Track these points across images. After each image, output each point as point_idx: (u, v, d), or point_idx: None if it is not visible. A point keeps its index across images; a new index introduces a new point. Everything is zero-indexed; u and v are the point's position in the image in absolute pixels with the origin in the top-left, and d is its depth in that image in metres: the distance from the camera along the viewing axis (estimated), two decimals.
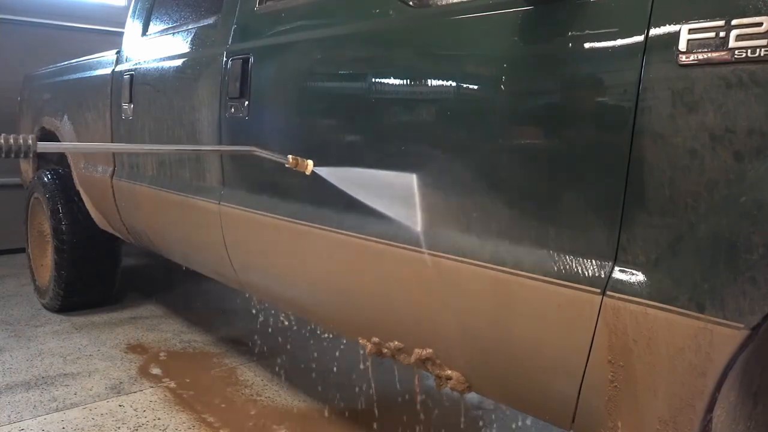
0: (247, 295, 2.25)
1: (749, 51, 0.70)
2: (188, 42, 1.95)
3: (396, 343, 1.23)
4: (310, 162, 1.20)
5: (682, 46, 0.75)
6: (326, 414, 1.97)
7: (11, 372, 2.24)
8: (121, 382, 2.16)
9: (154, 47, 2.19)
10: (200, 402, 2.03)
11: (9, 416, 1.90)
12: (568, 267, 0.88)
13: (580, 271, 0.87)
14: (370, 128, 1.24)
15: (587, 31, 0.87)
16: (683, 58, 0.75)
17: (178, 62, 1.97)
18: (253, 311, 2.87)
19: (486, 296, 1.01)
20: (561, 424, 1.00)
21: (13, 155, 0.95)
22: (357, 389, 2.16)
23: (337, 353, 2.46)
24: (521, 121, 0.96)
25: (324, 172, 1.21)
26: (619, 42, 0.82)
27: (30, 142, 0.96)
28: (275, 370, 2.31)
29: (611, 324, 0.84)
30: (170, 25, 2.16)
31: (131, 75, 2.25)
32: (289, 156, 1.20)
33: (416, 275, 1.13)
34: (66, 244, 2.75)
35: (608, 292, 0.84)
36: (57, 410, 1.95)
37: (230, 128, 1.65)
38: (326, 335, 2.59)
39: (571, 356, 0.90)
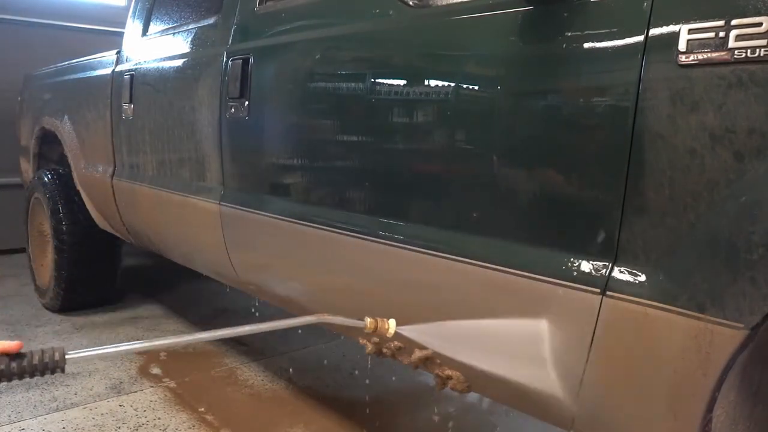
0: (246, 296, 2.25)
1: (749, 51, 0.69)
2: (188, 42, 1.95)
3: (396, 342, 1.23)
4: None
5: (682, 46, 0.75)
6: (327, 414, 1.97)
7: None
8: (121, 382, 2.16)
9: (155, 47, 2.19)
10: (200, 402, 2.03)
11: (9, 416, 1.90)
12: (567, 267, 0.88)
13: (579, 271, 0.87)
14: (370, 128, 1.24)
15: (587, 31, 0.87)
16: (683, 58, 0.75)
17: (179, 62, 1.97)
18: (253, 311, 2.86)
19: (486, 295, 1.01)
20: (561, 425, 1.00)
21: (39, 374, 0.78)
22: (358, 388, 2.16)
23: (338, 352, 2.46)
24: (521, 121, 0.96)
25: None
26: (619, 42, 0.82)
27: (57, 357, 0.78)
28: (275, 369, 2.31)
29: (611, 324, 0.84)
30: (170, 26, 2.16)
31: (131, 75, 2.25)
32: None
33: (418, 275, 1.13)
34: (66, 244, 2.75)
35: (608, 292, 0.83)
36: (57, 410, 1.95)
37: (230, 128, 1.65)
38: (327, 334, 2.59)
39: (570, 356, 0.90)
